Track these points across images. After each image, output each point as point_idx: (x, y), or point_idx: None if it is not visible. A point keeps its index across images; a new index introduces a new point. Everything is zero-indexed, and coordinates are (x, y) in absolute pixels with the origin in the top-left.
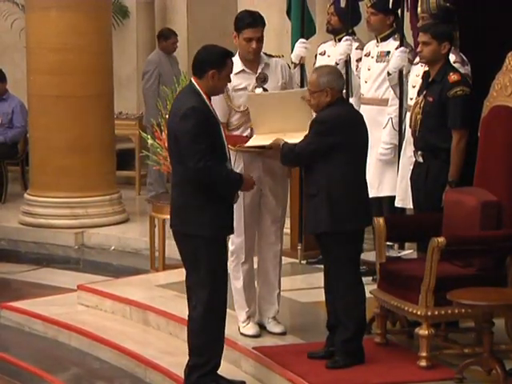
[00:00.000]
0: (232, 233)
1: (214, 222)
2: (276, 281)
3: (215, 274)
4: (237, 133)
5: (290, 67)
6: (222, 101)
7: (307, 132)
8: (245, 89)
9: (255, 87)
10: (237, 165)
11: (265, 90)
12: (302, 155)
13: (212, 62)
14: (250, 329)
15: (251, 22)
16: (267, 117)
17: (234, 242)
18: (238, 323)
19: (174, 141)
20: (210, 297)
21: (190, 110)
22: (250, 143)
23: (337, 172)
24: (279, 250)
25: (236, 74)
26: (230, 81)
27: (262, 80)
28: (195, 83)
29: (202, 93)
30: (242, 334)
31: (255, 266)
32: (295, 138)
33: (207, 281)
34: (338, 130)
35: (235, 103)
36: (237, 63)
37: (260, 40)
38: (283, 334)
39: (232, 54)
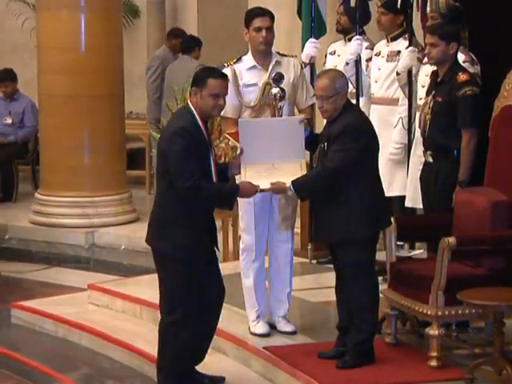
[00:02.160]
0: (203, 256)
1: (186, 244)
2: (287, 279)
3: (178, 298)
4: None
5: (302, 67)
6: (232, 97)
7: (301, 159)
8: (255, 85)
9: (271, 87)
10: None
11: (282, 89)
12: (342, 167)
13: (194, 81)
14: (260, 328)
15: (259, 12)
16: (257, 144)
17: (245, 240)
18: (248, 322)
19: (161, 158)
20: (169, 319)
21: (179, 130)
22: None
23: (364, 177)
24: (290, 248)
25: (247, 69)
26: (218, 102)
27: (278, 80)
28: (190, 104)
29: (195, 113)
30: (251, 333)
31: (266, 265)
32: (284, 169)
33: (169, 303)
34: (364, 135)
35: (245, 99)
36: (248, 59)
37: (270, 30)
38: (293, 333)
39: (217, 75)
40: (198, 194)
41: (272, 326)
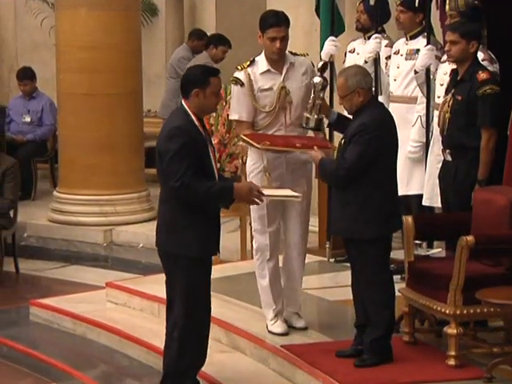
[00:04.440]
0: (215, 253)
1: (197, 243)
2: (300, 276)
3: (193, 297)
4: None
5: (314, 66)
6: (247, 101)
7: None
8: (270, 89)
9: (287, 91)
10: (260, 162)
11: (324, 78)
12: (355, 167)
13: (195, 82)
14: (278, 327)
15: (275, 21)
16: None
17: (258, 240)
18: (265, 321)
19: (159, 159)
20: (187, 320)
21: (175, 130)
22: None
23: (377, 177)
24: (304, 245)
25: (261, 73)
26: (219, 99)
27: (323, 69)
28: (184, 104)
29: (190, 113)
30: (269, 331)
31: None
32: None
33: (185, 303)
34: (382, 134)
35: (261, 103)
36: (262, 63)
37: (284, 39)
38: (305, 328)
39: (217, 73)
40: (189, 194)
41: (288, 324)
